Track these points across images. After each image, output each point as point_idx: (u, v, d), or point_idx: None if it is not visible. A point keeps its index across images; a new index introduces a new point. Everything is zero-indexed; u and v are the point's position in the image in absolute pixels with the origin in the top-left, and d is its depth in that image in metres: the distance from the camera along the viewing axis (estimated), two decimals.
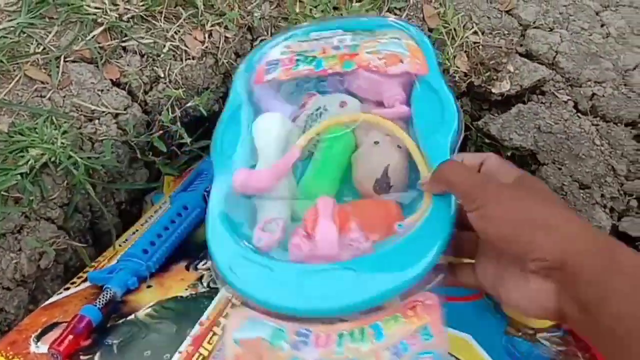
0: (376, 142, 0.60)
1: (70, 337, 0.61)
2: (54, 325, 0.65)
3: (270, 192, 0.59)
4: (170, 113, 0.84)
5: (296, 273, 0.51)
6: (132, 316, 0.65)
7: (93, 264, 0.76)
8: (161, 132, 0.84)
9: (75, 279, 0.73)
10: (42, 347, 0.62)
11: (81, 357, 0.61)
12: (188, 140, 0.84)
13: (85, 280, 0.72)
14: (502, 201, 0.46)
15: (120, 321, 0.65)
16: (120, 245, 0.78)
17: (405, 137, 0.59)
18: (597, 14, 0.97)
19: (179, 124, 0.85)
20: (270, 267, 0.52)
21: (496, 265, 0.50)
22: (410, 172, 0.59)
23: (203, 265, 0.71)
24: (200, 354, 0.59)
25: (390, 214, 0.55)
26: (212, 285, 0.67)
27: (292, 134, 0.63)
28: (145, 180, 0.89)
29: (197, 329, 0.62)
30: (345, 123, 0.62)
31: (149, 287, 0.69)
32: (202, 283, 0.68)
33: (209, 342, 0.60)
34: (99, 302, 0.65)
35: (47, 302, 0.70)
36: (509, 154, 0.89)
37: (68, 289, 0.72)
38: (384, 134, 0.61)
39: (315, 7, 0.89)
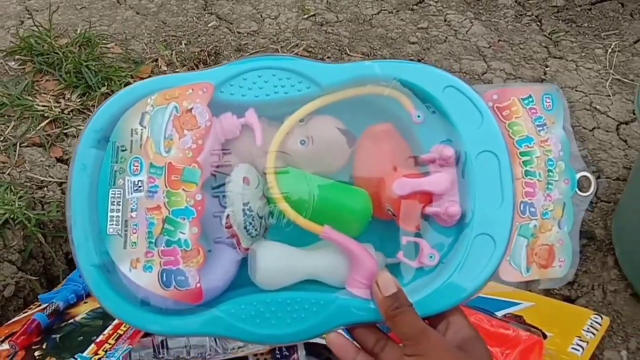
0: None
1: (24, 337, 0.85)
2: (14, 333, 0.88)
3: None
4: None
5: None
6: (71, 320, 0.89)
7: None
8: None
9: (32, 306, 0.97)
10: (5, 346, 0.85)
11: (33, 346, 0.84)
12: None
13: (38, 306, 0.95)
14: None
15: (63, 324, 0.88)
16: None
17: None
18: None
19: None
20: None
21: None
22: None
23: None
24: (118, 333, 0.82)
25: None
26: None
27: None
28: None
29: (117, 320, 0.85)
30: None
31: (85, 302, 0.93)
32: None
33: (124, 326, 0.83)
34: (47, 310, 0.89)
35: (9, 322, 0.93)
36: None
37: (26, 312, 0.95)
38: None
39: None
